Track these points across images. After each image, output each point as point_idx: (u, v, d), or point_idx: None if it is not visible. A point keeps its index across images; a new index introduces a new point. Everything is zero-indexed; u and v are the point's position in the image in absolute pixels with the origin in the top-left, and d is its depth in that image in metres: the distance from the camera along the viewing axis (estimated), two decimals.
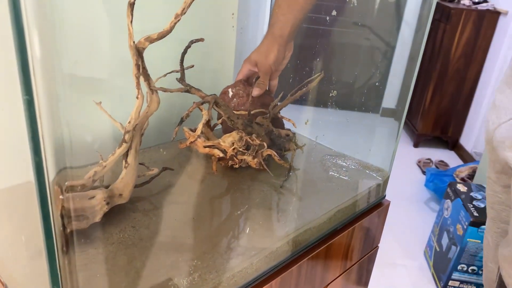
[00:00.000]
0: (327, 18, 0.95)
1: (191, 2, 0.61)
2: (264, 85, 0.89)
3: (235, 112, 0.82)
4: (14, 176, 0.68)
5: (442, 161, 2.91)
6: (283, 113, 0.91)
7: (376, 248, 0.91)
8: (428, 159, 2.94)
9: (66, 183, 0.58)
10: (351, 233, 0.80)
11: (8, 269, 0.59)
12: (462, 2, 2.93)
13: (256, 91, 0.87)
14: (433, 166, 2.86)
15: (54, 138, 0.38)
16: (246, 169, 0.83)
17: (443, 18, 2.93)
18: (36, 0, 0.33)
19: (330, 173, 0.87)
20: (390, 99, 1.08)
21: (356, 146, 0.99)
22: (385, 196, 0.88)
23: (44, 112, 0.35)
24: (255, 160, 0.80)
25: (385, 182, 0.87)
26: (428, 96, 3.03)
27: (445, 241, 1.84)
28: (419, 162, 2.92)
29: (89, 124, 0.79)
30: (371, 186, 0.84)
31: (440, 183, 2.39)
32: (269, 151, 0.79)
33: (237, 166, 0.80)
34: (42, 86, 0.33)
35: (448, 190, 1.89)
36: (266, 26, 0.92)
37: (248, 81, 0.91)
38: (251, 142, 0.77)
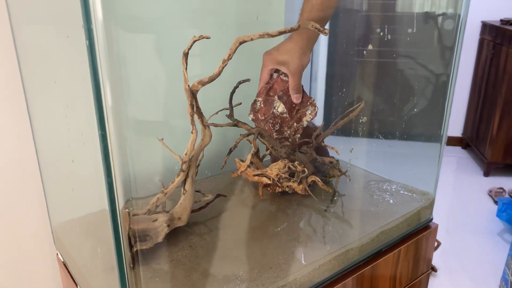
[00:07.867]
0: (364, 52, 1.01)
1: (235, 49, 0.71)
2: (299, 87, 0.83)
3: (285, 138, 0.90)
4: (94, 205, 0.80)
5: None
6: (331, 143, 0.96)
7: (428, 272, 0.91)
8: (501, 188, 2.77)
9: (131, 211, 0.69)
10: (397, 256, 0.82)
11: (87, 280, 0.69)
12: None
13: (296, 98, 0.85)
14: (507, 196, 2.68)
15: (123, 172, 0.48)
16: (293, 195, 0.89)
17: (505, 42, 2.83)
18: (109, 57, 0.43)
19: (375, 197, 0.90)
20: (456, 128, 1.05)
21: (406, 173, 1.00)
22: (432, 219, 0.89)
23: (115, 149, 0.45)
24: (301, 186, 0.86)
25: (431, 204, 0.88)
26: (496, 123, 2.89)
27: None
28: (491, 191, 2.76)
29: (151, 159, 0.90)
30: (416, 209, 0.86)
31: None
32: (313, 177, 0.85)
33: (281, 190, 0.87)
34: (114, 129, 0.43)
35: None
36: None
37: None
38: (293, 168, 0.84)
